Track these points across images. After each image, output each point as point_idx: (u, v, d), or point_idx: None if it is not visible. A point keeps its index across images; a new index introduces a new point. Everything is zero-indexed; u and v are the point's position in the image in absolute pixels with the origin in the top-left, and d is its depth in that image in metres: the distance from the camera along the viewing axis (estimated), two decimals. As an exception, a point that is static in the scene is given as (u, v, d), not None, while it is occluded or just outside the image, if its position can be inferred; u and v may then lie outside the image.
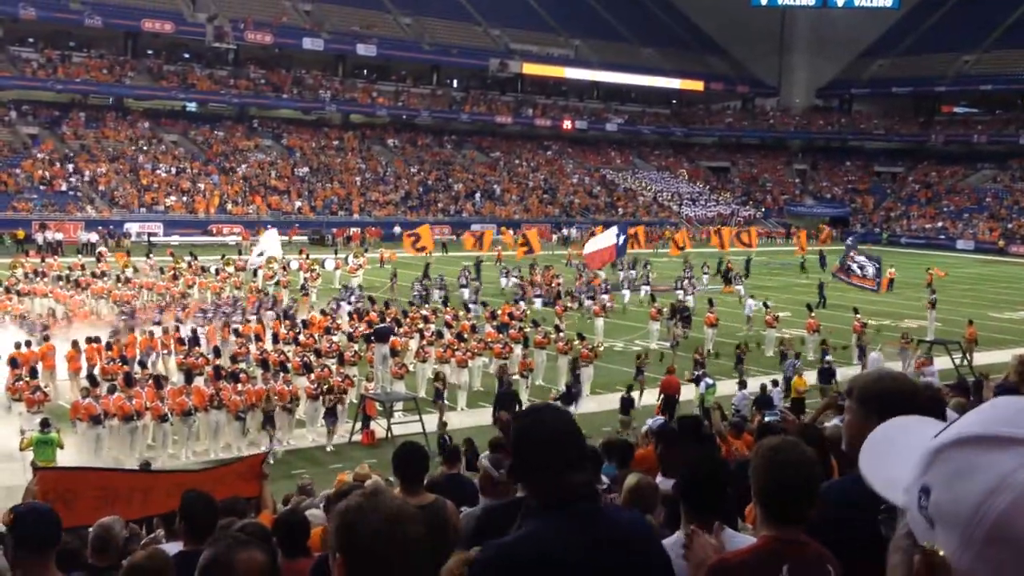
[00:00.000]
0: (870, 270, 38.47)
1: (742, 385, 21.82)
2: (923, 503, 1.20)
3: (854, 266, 39.09)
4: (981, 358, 27.85)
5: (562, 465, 2.65)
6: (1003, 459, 1.13)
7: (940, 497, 1.17)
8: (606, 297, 36.50)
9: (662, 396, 21.96)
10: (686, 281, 39.86)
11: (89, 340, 23.53)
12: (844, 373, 25.48)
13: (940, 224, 77.97)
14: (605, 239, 40.08)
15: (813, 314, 31.77)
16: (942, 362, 26.65)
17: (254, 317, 28.50)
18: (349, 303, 31.90)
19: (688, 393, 22.62)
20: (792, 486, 2.95)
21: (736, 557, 2.98)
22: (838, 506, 3.07)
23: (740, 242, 51.13)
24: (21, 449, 16.87)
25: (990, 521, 1.11)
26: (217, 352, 23.65)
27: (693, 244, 53.84)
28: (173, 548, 5.23)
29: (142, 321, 27.23)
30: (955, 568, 1.14)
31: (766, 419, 12.59)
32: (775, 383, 22.07)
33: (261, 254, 37.83)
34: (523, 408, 2.89)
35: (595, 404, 23.32)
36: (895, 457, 1.31)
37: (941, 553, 1.15)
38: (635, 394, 23.21)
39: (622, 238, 40.54)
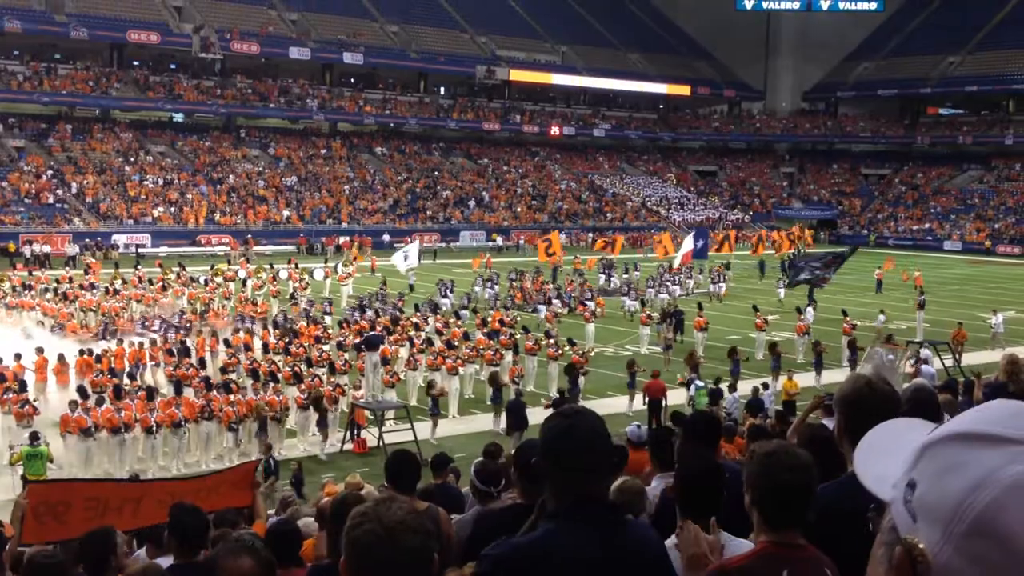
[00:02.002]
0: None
1: (733, 388, 21.86)
2: (908, 497, 1.21)
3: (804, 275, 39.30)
4: (970, 358, 27.96)
5: (588, 471, 2.63)
6: (990, 456, 1.15)
7: (925, 491, 1.19)
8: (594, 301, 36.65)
9: (647, 400, 22.03)
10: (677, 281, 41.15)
11: (80, 353, 23.42)
12: (835, 375, 25.60)
13: (927, 225, 78.31)
14: (686, 244, 43.17)
15: (802, 317, 31.86)
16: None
17: (243, 327, 28.44)
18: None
19: (678, 397, 22.63)
20: (788, 490, 2.95)
21: (736, 563, 2.98)
22: (827, 509, 3.10)
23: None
24: (11, 463, 16.80)
25: (972, 516, 1.12)
26: (203, 363, 23.57)
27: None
28: (163, 562, 5.21)
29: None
30: (934, 561, 1.15)
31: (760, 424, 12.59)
32: (765, 386, 22.10)
33: (406, 258, 40.59)
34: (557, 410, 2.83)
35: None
36: (887, 455, 1.33)
37: (921, 546, 1.16)
38: (621, 399, 23.28)
39: (700, 242, 42.16)
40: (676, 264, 44.43)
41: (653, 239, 57.39)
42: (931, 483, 1.19)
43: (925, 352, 25.93)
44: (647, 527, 2.92)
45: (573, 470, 2.62)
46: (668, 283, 41.90)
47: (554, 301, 36.70)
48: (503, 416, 22.02)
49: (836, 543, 3.00)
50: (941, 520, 1.15)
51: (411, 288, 40.28)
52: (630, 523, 2.84)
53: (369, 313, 30.87)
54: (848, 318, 30.68)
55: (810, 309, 33.40)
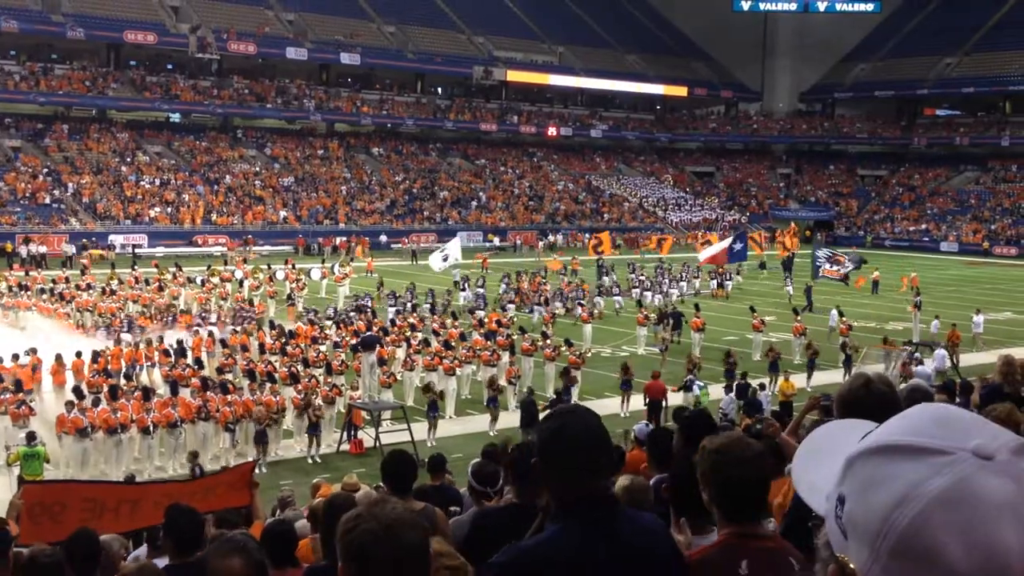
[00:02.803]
0: (846, 266, 41.29)
1: (729, 389, 21.89)
2: (839, 512, 1.18)
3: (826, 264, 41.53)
4: (967, 359, 27.98)
5: (587, 470, 2.62)
6: (913, 469, 1.12)
7: (853, 507, 1.16)
8: (600, 301, 36.89)
9: (647, 401, 22.05)
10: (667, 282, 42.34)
11: (79, 354, 23.35)
12: (831, 377, 25.63)
13: (924, 226, 78.37)
14: (720, 244, 43.97)
15: (799, 318, 31.88)
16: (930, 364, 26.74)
17: (240, 328, 28.50)
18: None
19: (678, 398, 22.63)
20: (741, 483, 2.95)
21: (696, 555, 2.99)
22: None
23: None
24: (8, 464, 16.77)
25: (896, 534, 1.09)
26: (200, 363, 23.54)
27: (676, 249, 54.40)
28: (161, 563, 5.20)
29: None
30: None
31: (756, 427, 12.61)
32: (762, 386, 22.17)
33: (446, 259, 40.08)
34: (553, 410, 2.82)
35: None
36: (823, 462, 1.29)
37: (852, 566, 1.13)
38: (619, 400, 23.31)
39: (739, 244, 42.47)
40: (701, 260, 44.77)
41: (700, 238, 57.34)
42: (857, 499, 1.15)
43: (940, 352, 26.09)
44: (652, 519, 2.91)
45: (570, 469, 2.60)
46: (676, 280, 43.00)
47: (596, 298, 37.73)
48: (497, 418, 22.08)
49: (809, 532, 3.01)
50: (868, 538, 1.12)
51: (457, 284, 40.39)
52: (636, 517, 2.83)
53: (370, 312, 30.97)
54: (844, 319, 30.70)
55: (835, 312, 33.30)
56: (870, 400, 3.06)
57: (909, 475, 1.11)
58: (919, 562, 1.08)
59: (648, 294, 39.95)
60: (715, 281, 44.66)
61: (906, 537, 1.09)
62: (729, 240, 45.25)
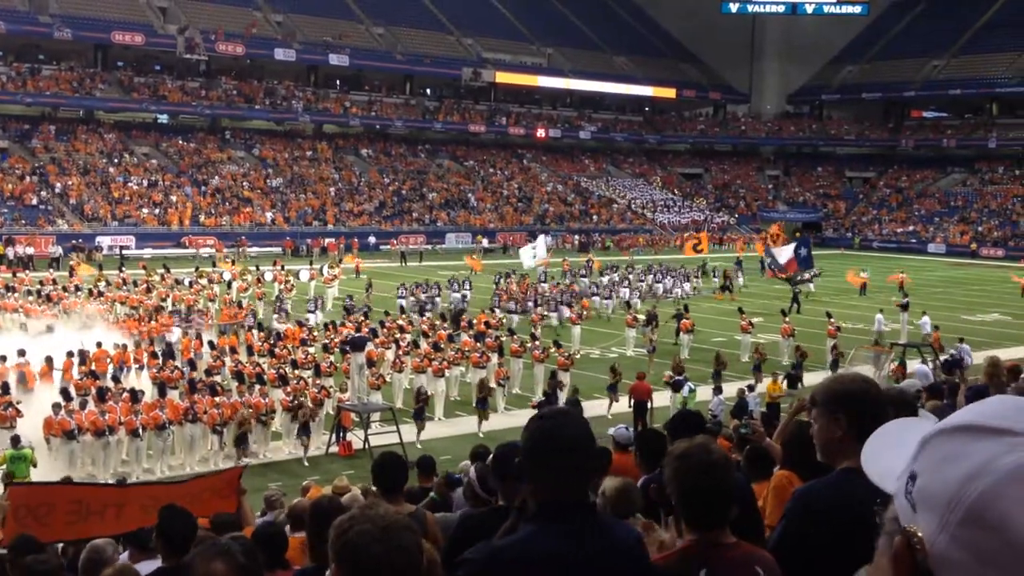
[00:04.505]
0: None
1: (718, 391, 21.94)
2: (909, 488, 1.24)
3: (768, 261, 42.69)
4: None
5: (570, 472, 2.62)
6: (988, 447, 1.17)
7: (925, 482, 1.21)
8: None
9: (633, 402, 22.08)
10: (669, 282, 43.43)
11: (70, 355, 23.23)
12: (820, 378, 25.65)
13: (911, 228, 78.67)
14: (784, 252, 43.00)
15: (787, 319, 31.96)
16: (914, 365, 26.77)
17: (230, 329, 28.45)
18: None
19: (664, 399, 22.65)
20: (701, 490, 2.95)
21: (655, 560, 2.99)
22: (805, 506, 3.12)
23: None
24: (-7, 467, 16.67)
25: (966, 504, 1.15)
26: (192, 365, 23.46)
27: (666, 250, 54.54)
28: (150, 566, 5.18)
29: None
30: (930, 550, 1.17)
31: (741, 431, 12.62)
32: (751, 388, 22.18)
33: (534, 256, 41.22)
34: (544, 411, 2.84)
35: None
36: (893, 450, 1.36)
37: (920, 534, 1.18)
38: (605, 402, 23.34)
39: (803, 250, 42.41)
40: (769, 271, 44.87)
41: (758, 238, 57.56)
42: (931, 474, 1.21)
43: (965, 347, 26.08)
44: (628, 528, 2.92)
45: (555, 471, 2.60)
46: (680, 280, 44.08)
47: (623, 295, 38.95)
48: (488, 420, 22.08)
49: (805, 539, 3.02)
50: (938, 509, 1.18)
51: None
52: (612, 524, 2.84)
53: (356, 314, 30.93)
54: (833, 320, 30.79)
55: (879, 316, 33.22)
56: (881, 396, 3.06)
57: (984, 452, 1.17)
58: (987, 531, 1.13)
59: (658, 286, 42.20)
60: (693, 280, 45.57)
61: (976, 508, 1.14)
62: (793, 246, 43.96)
